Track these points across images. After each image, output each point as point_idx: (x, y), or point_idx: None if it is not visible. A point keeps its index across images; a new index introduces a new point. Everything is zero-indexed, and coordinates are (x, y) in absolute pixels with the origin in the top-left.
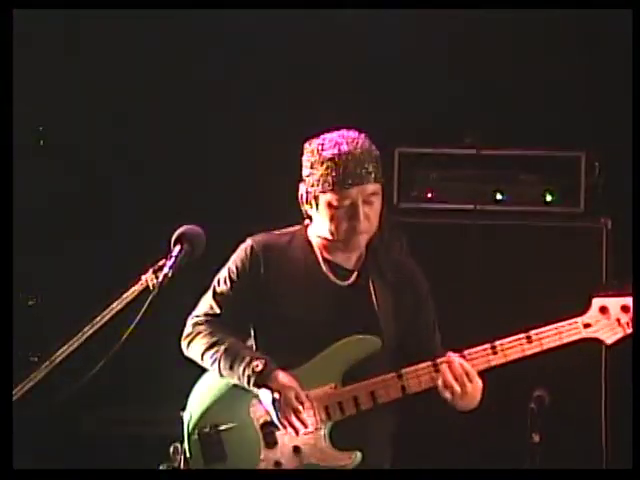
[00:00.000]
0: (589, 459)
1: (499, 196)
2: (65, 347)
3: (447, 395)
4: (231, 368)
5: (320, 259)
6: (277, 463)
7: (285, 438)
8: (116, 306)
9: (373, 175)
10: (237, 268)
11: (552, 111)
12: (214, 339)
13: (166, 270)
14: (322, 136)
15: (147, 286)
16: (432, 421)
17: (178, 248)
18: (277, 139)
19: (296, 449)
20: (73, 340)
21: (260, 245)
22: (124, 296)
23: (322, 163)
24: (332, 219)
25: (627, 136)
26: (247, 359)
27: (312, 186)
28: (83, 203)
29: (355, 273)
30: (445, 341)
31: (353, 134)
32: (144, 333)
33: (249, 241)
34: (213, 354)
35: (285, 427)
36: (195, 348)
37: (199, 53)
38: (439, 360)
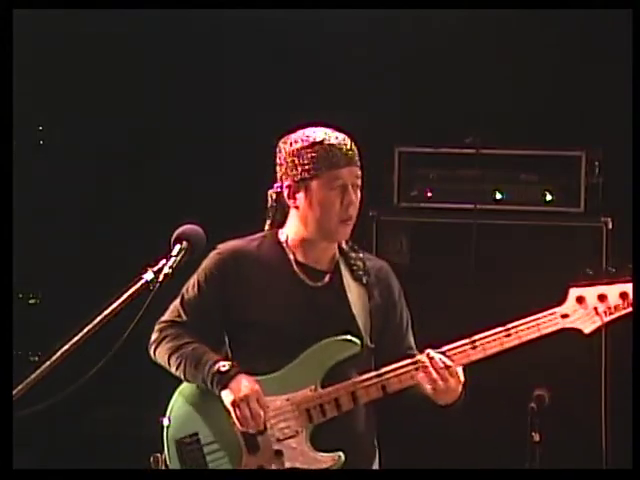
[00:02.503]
0: (589, 459)
1: (499, 195)
2: (65, 347)
3: (429, 390)
4: (196, 368)
5: (292, 261)
6: (260, 468)
7: (267, 443)
8: (116, 306)
9: (357, 158)
10: (205, 275)
11: (552, 111)
12: (180, 342)
13: (166, 270)
14: (299, 130)
15: (147, 286)
16: (431, 421)
17: (178, 247)
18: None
19: (278, 453)
20: (73, 340)
21: (229, 252)
22: (124, 296)
23: (311, 147)
24: (324, 202)
25: (627, 136)
26: (213, 359)
27: (301, 174)
28: (83, 203)
29: (328, 275)
30: (444, 339)
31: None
32: (144, 333)
33: (218, 249)
34: (178, 357)
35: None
36: (161, 352)
37: (199, 53)
38: (418, 357)
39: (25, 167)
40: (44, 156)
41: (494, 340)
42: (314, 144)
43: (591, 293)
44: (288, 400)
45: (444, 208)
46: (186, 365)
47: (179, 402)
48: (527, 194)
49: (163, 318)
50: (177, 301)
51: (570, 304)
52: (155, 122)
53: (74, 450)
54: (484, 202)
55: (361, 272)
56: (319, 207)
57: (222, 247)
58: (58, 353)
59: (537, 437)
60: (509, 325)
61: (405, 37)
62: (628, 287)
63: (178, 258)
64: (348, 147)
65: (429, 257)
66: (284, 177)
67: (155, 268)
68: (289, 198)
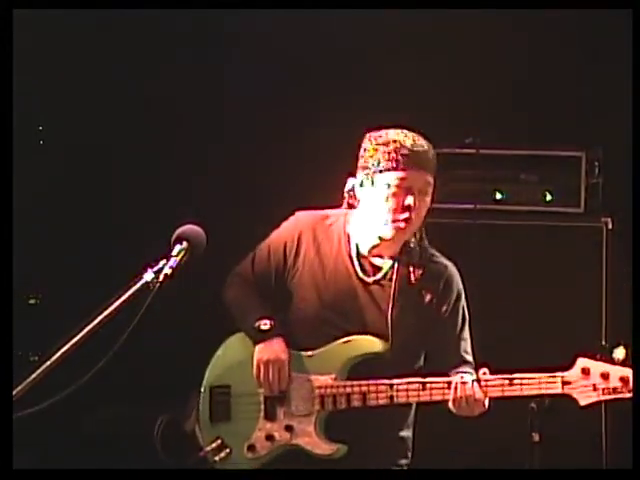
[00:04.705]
0: (589, 459)
1: (499, 196)
2: (65, 347)
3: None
4: (243, 319)
5: (353, 251)
6: (270, 436)
7: (282, 415)
8: (116, 306)
9: (431, 166)
10: (279, 239)
11: (552, 111)
12: (238, 292)
13: (166, 270)
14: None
15: (147, 286)
16: (432, 421)
17: (178, 247)
18: (277, 139)
19: (288, 428)
20: (73, 340)
21: (302, 224)
22: (124, 296)
23: (386, 144)
24: (380, 198)
25: (627, 136)
26: (258, 315)
27: (370, 167)
28: (83, 203)
29: (383, 271)
30: None
31: None
32: (144, 333)
33: (296, 216)
34: (235, 305)
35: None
36: (225, 299)
37: (198, 52)
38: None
39: (25, 167)
40: (44, 156)
41: (497, 385)
42: (389, 142)
43: (596, 368)
44: (309, 381)
45: (444, 208)
46: (238, 314)
47: (223, 353)
48: (527, 194)
49: (238, 266)
50: (251, 254)
51: (575, 373)
52: (155, 121)
53: (74, 450)
54: (484, 202)
55: (417, 274)
56: (375, 202)
57: (300, 216)
58: (58, 353)
59: (537, 437)
60: (514, 375)
61: (405, 37)
62: (629, 372)
63: (178, 258)
64: (423, 151)
65: None
66: (360, 168)
67: (155, 268)
68: (359, 187)
